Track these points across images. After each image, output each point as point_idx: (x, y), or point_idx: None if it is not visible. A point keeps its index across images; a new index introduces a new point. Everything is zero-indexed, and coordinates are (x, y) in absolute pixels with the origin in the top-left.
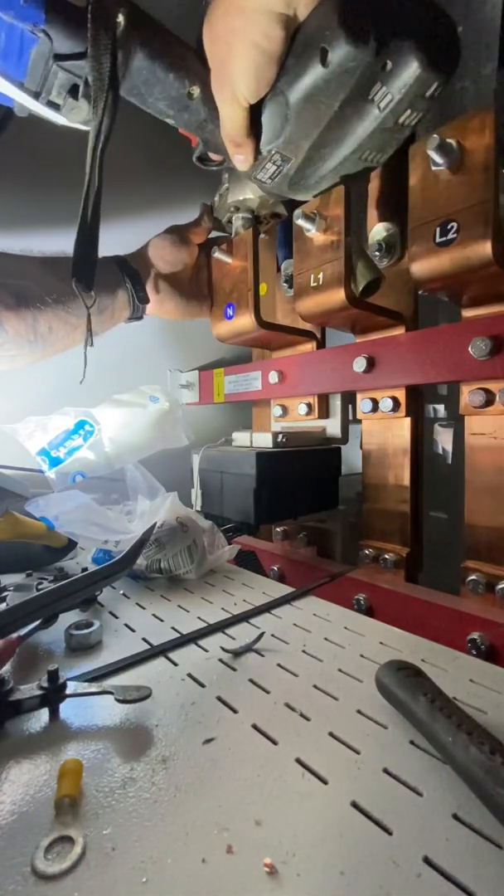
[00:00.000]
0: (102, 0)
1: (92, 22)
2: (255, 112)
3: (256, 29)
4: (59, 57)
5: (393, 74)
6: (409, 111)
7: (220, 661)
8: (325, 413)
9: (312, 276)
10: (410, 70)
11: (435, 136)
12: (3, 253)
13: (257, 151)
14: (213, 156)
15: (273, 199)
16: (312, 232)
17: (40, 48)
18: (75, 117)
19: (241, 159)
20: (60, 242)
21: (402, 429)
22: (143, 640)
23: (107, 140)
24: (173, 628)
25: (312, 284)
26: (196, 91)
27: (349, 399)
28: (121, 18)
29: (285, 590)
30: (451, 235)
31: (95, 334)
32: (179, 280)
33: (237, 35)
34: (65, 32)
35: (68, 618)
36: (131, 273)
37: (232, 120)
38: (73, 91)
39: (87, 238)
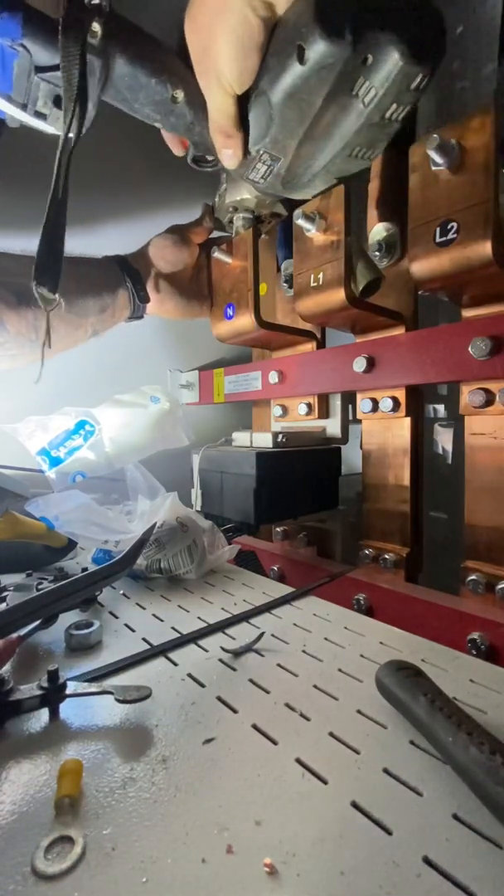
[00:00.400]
0: (73, 11)
1: (62, 33)
2: (241, 107)
3: (234, 15)
4: (39, 69)
5: (374, 68)
6: (394, 105)
7: (220, 661)
8: (325, 413)
9: (312, 276)
10: (391, 63)
11: (435, 136)
12: (4, 253)
13: (246, 149)
14: (208, 157)
15: (270, 198)
16: (312, 232)
17: (21, 61)
18: (62, 126)
19: (229, 154)
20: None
21: (402, 429)
22: (143, 640)
23: (73, 148)
24: (173, 628)
25: (312, 284)
26: (180, 95)
27: (349, 399)
28: (97, 27)
29: (285, 590)
30: (451, 235)
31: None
32: (180, 280)
33: (218, 22)
34: (42, 45)
35: (68, 618)
36: (132, 272)
37: (220, 109)
38: (57, 101)
39: (51, 240)
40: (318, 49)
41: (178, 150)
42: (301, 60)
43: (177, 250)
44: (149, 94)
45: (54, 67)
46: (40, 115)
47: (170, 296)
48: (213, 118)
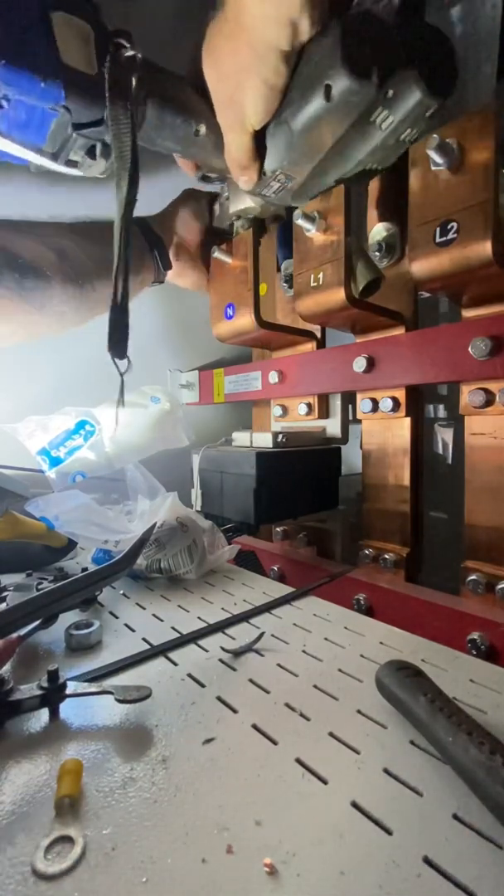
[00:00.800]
0: (117, 72)
1: (110, 102)
2: (257, 137)
3: (265, 67)
4: (78, 126)
5: (395, 101)
6: (409, 129)
7: (220, 661)
8: (325, 413)
9: (312, 276)
10: (413, 98)
11: (435, 136)
12: (35, 221)
13: (261, 173)
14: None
15: (275, 206)
16: (312, 232)
17: (61, 120)
18: (93, 172)
19: (245, 180)
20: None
21: (402, 429)
22: (143, 640)
23: (132, 211)
24: (173, 628)
25: (312, 284)
26: (202, 129)
27: (349, 399)
28: (133, 81)
29: (285, 590)
30: (451, 235)
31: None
32: (192, 249)
33: (247, 72)
34: (83, 104)
35: (68, 618)
36: (155, 239)
37: (239, 146)
38: (90, 151)
39: (119, 315)
40: (344, 88)
41: (191, 173)
42: (327, 98)
43: (199, 223)
44: (174, 131)
45: (93, 123)
46: (71, 164)
47: (191, 264)
48: (232, 154)
